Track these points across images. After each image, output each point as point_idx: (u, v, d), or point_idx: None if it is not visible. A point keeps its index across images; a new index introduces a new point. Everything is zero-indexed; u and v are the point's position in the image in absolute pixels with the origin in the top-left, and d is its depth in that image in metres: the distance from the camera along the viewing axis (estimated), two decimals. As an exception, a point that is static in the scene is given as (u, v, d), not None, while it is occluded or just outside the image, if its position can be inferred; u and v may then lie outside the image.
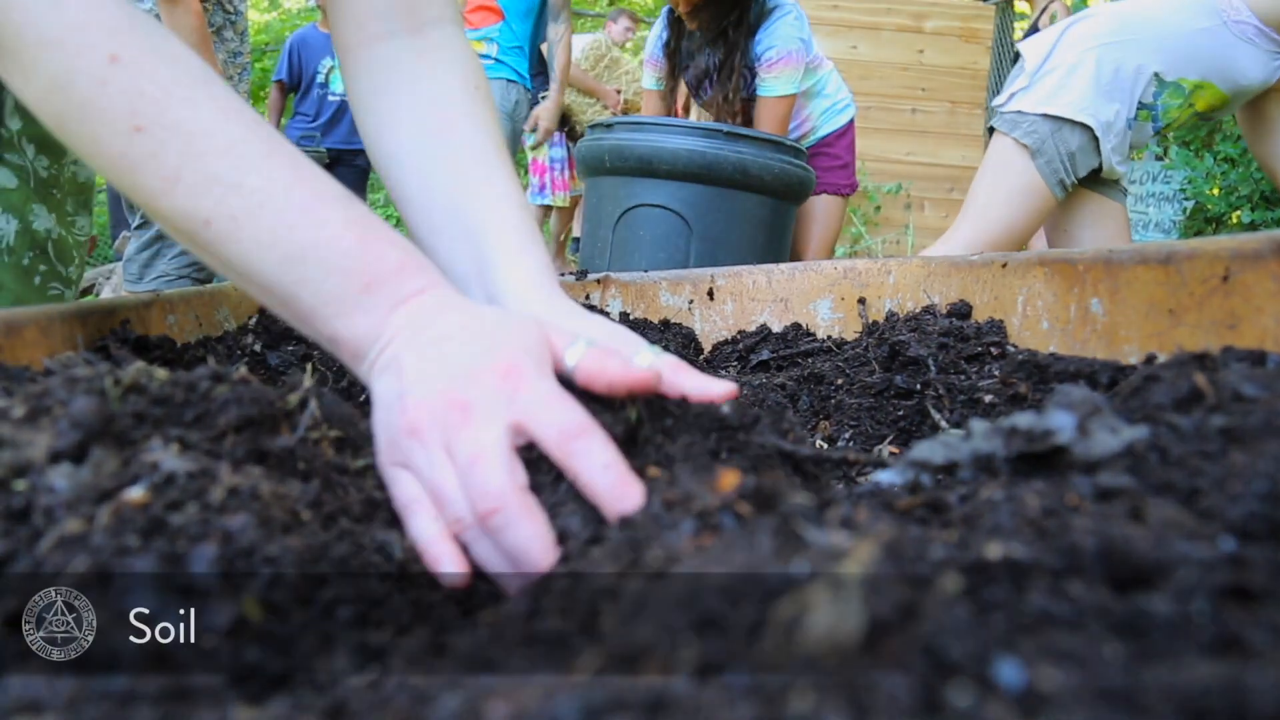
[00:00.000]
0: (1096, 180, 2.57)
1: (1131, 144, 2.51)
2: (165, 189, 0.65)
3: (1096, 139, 2.43)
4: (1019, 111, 2.53)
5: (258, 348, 1.06)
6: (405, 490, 0.59)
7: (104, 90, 0.65)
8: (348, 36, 0.93)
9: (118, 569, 0.40)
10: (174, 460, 0.48)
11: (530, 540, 0.54)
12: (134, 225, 3.37)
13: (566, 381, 0.62)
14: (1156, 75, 2.38)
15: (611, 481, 0.55)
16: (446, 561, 0.55)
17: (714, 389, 0.66)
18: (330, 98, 6.46)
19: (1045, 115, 2.48)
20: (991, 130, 2.60)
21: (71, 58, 0.65)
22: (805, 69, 3.05)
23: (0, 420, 0.50)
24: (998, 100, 2.63)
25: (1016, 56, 2.73)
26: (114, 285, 4.90)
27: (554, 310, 0.77)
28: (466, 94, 0.91)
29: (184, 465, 0.47)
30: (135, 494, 0.45)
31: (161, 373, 0.56)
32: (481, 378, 0.59)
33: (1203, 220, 6.15)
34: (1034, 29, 2.81)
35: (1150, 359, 0.83)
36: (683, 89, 3.40)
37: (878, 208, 6.46)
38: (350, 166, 6.22)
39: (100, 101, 0.65)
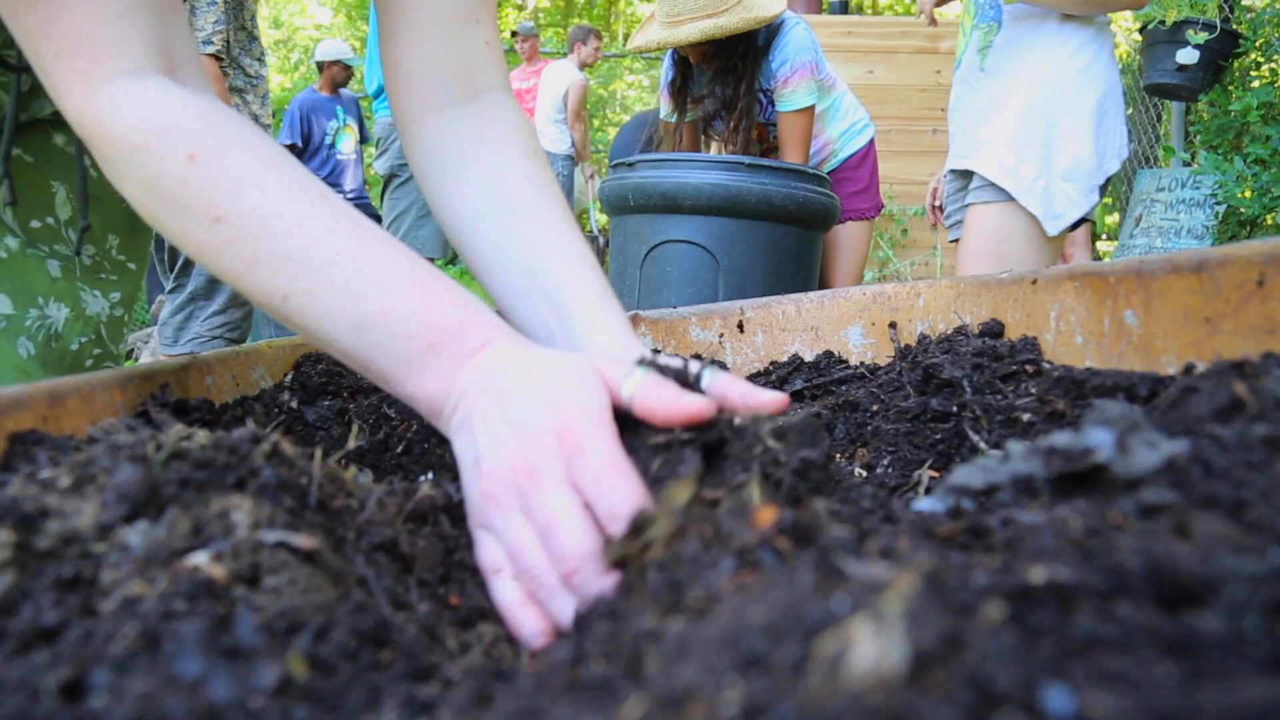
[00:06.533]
0: None
1: None
2: (245, 270, 0.70)
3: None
4: None
5: (294, 404, 1.08)
6: (489, 556, 0.62)
7: (185, 188, 0.70)
8: (408, 109, 0.98)
9: (166, 633, 0.41)
10: (218, 523, 0.48)
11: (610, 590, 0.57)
12: (168, 290, 3.43)
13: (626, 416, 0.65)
14: None
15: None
16: (528, 625, 0.57)
17: (765, 399, 0.68)
18: (339, 157, 7.00)
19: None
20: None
21: (156, 161, 0.70)
22: (820, 87, 3.04)
23: (47, 490, 0.51)
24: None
25: None
26: (152, 349, 4.98)
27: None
28: (527, 159, 0.96)
29: (228, 528, 0.48)
30: (197, 559, 0.46)
31: (202, 435, 0.57)
32: (542, 440, 0.62)
33: (1236, 224, 6.05)
34: None
35: (1189, 369, 0.82)
36: None
37: (904, 230, 6.43)
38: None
39: (184, 198, 0.70)
